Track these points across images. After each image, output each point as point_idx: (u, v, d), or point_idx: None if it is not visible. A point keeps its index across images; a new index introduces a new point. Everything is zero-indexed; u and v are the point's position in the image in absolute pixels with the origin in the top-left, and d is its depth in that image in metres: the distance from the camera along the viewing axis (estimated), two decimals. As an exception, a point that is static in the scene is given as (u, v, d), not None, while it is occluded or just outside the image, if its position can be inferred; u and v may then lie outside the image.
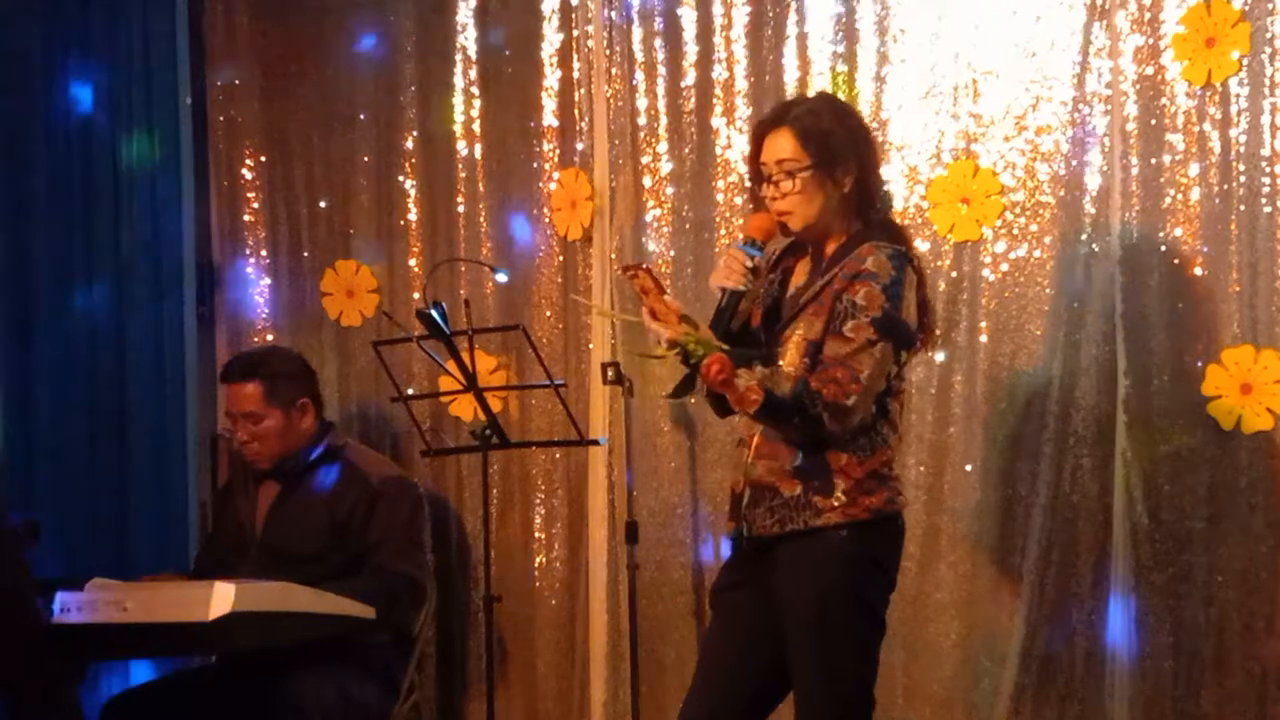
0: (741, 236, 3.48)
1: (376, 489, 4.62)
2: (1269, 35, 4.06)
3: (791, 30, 4.68)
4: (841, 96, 4.41)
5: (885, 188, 3.64)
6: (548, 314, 5.12)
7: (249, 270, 5.59)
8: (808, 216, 3.46)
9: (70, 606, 4.08)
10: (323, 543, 4.56)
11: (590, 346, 4.99)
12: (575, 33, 5.04)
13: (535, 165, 5.15)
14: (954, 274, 4.42)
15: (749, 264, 3.43)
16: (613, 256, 4.94)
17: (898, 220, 3.72)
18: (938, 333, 3.60)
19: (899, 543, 3.52)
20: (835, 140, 3.45)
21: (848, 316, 3.35)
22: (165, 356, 5.53)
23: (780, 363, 3.43)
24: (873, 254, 3.39)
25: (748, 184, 3.55)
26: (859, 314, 3.34)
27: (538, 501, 5.13)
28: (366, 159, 5.44)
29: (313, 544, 4.54)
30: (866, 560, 3.42)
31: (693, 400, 4.83)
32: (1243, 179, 4.09)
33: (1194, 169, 4.16)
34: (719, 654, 3.57)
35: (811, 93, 4.55)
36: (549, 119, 5.12)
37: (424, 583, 4.69)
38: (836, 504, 3.38)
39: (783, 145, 3.46)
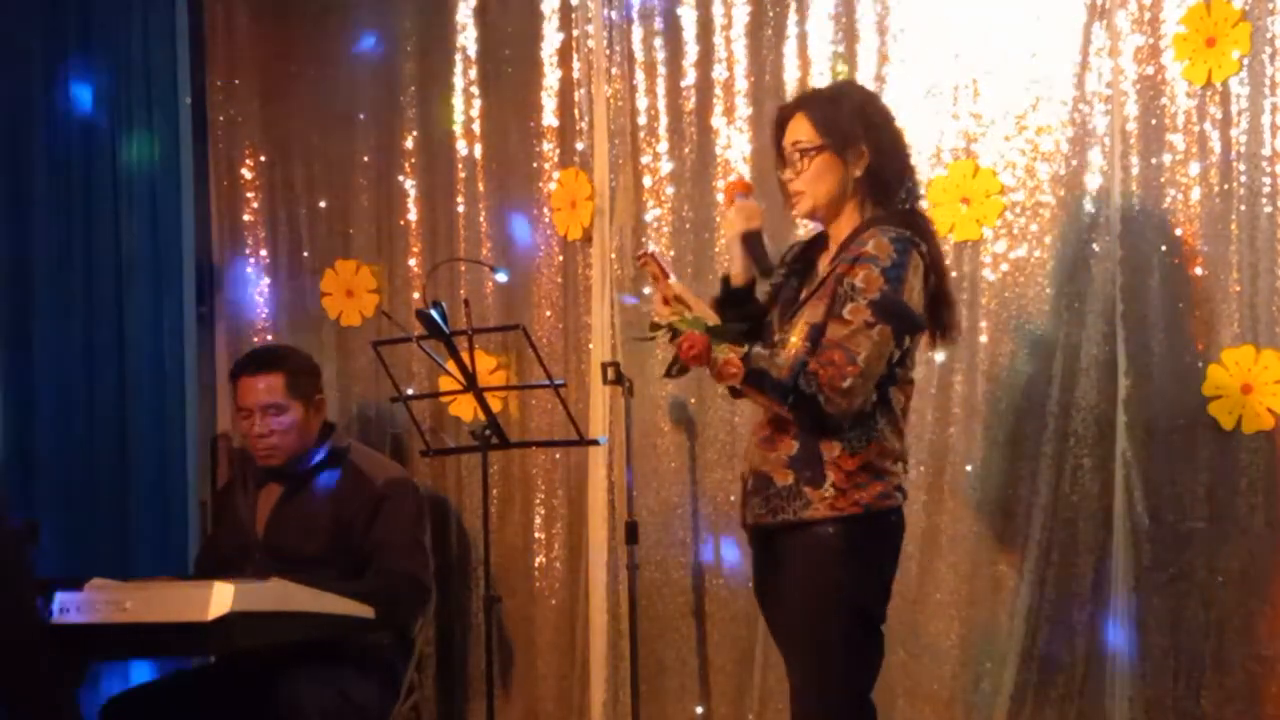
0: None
1: (381, 491, 4.63)
2: (1269, 35, 4.07)
3: (791, 30, 4.68)
4: None
5: (915, 178, 3.60)
6: (548, 314, 5.11)
7: (249, 270, 5.59)
8: (816, 197, 3.51)
9: (70, 606, 4.07)
10: (327, 545, 4.56)
11: (590, 346, 4.98)
12: (575, 33, 5.04)
13: (535, 165, 5.15)
14: (954, 274, 4.41)
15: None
16: (613, 256, 4.93)
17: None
18: (959, 327, 3.64)
19: (895, 539, 3.50)
20: (845, 122, 3.49)
21: (847, 299, 3.36)
22: (165, 356, 5.51)
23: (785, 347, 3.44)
24: (875, 237, 3.40)
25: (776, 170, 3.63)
26: (857, 296, 3.35)
27: (538, 501, 5.13)
28: (366, 159, 5.43)
29: (317, 546, 4.54)
30: (856, 559, 3.40)
31: (693, 401, 4.83)
32: (1243, 179, 4.09)
33: (1194, 169, 4.16)
34: None
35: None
36: (549, 119, 5.12)
37: (427, 583, 4.69)
38: (827, 495, 3.37)
39: (797, 128, 3.53)
